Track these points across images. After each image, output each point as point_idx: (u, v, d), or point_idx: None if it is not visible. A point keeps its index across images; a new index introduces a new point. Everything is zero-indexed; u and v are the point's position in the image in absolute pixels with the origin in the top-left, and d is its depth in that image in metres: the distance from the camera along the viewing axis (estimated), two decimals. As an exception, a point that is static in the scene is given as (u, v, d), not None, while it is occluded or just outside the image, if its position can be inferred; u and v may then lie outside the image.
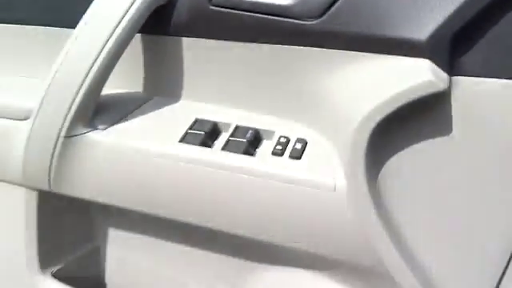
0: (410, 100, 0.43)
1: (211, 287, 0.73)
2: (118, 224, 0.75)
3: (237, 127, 0.56)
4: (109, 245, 0.78)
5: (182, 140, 0.56)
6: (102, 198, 0.61)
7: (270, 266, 0.65)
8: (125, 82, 0.64)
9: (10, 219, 0.73)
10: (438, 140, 0.47)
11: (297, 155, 0.52)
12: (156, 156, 0.56)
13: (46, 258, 0.75)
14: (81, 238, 0.77)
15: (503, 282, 0.51)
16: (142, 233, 0.73)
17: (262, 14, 0.51)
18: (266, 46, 0.53)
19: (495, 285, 0.51)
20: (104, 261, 0.80)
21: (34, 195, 0.68)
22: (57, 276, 0.77)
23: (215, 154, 0.54)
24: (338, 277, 0.58)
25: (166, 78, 0.61)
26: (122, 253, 0.78)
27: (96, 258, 0.80)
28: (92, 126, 0.59)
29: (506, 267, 0.50)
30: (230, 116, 0.58)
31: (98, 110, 0.60)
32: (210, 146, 0.55)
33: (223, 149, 0.54)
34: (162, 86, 0.62)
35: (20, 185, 0.67)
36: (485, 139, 0.46)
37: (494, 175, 0.46)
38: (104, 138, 0.58)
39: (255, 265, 0.66)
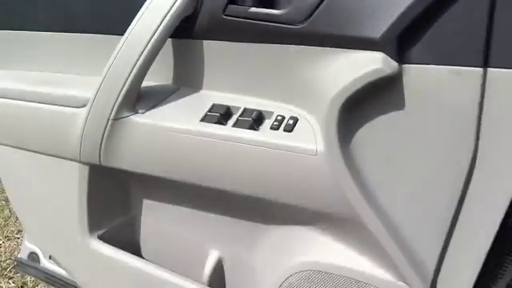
0: (367, 83, 0.58)
1: (228, 247, 0.89)
2: (151, 195, 0.92)
3: (244, 109, 0.72)
4: (143, 214, 0.95)
5: (203, 120, 0.72)
6: (140, 169, 0.78)
7: (272, 226, 0.80)
8: (158, 76, 0.81)
9: (66, 191, 0.91)
10: (393, 114, 0.61)
11: (289, 129, 0.67)
12: (182, 133, 0.72)
13: (94, 223, 0.93)
14: (121, 208, 0.95)
15: (456, 228, 0.65)
16: (169, 202, 0.90)
17: (261, 21, 0.67)
18: (265, 46, 0.69)
19: (446, 230, 0.65)
20: (139, 227, 0.97)
21: (86, 169, 0.86)
22: (102, 238, 0.94)
23: (228, 129, 0.70)
24: (325, 230, 0.73)
25: (190, 72, 0.78)
26: (153, 220, 0.95)
27: (132, 224, 0.97)
28: (134, 110, 0.76)
29: (455, 215, 0.64)
30: (239, 101, 0.74)
31: (138, 98, 0.77)
32: (224, 124, 0.71)
33: (234, 126, 0.70)
34: (187, 78, 0.79)
35: (76, 161, 0.85)
36: (429, 113, 0.60)
37: (437, 141, 0.61)
38: (143, 120, 0.75)
39: (261, 226, 0.81)
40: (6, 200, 2.07)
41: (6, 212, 1.98)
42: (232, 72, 0.74)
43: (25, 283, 1.63)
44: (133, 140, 0.76)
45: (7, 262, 1.72)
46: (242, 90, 0.74)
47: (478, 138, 0.59)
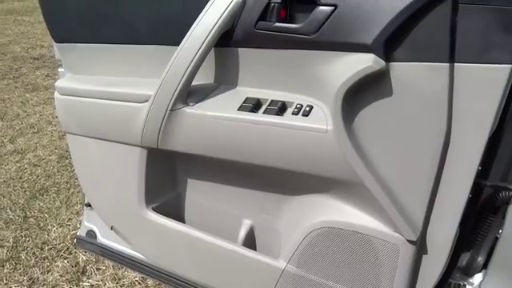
0: (362, 77, 0.79)
1: (258, 216, 1.10)
2: (193, 174, 1.13)
3: (271, 101, 0.93)
4: (187, 190, 1.16)
5: (239, 109, 0.93)
6: (190, 150, 1.00)
7: (293, 196, 1.01)
8: (204, 76, 1.02)
9: (128, 171, 1.13)
10: (383, 101, 0.81)
11: (306, 114, 0.88)
12: (224, 119, 0.94)
13: (149, 198, 1.15)
14: (170, 185, 1.17)
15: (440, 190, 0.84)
16: (208, 180, 1.11)
17: (284, 33, 0.88)
18: (287, 51, 0.90)
19: (430, 190, 0.84)
20: (184, 201, 1.18)
21: (145, 152, 1.08)
22: (155, 210, 1.16)
23: (259, 116, 0.91)
24: (336, 195, 0.93)
25: (228, 73, 0.99)
26: (195, 195, 1.16)
27: (179, 198, 1.19)
28: (186, 103, 0.98)
29: (437, 178, 0.83)
30: (267, 94, 0.95)
31: (189, 94, 0.99)
32: (255, 112, 0.93)
33: (263, 113, 0.91)
34: (226, 78, 1.00)
35: (137, 146, 1.07)
36: (411, 99, 0.80)
37: (418, 120, 0.80)
38: (193, 111, 0.97)
39: (285, 196, 1.02)
40: (57, 193, 2.33)
41: (57, 203, 2.24)
42: (261, 72, 0.95)
43: (77, 263, 1.87)
44: (185, 127, 0.98)
45: (61, 245, 1.97)
46: (269, 86, 0.95)
47: (450, 118, 0.78)
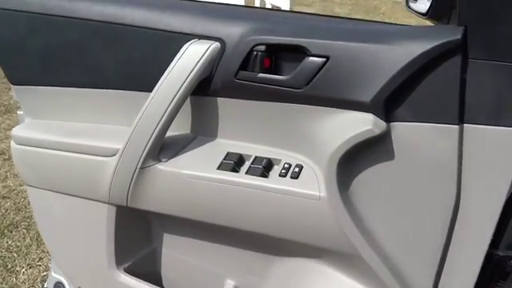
0: (359, 141, 0.69)
1: (242, 277, 0.98)
2: (170, 231, 1.02)
3: (256, 157, 0.83)
4: (163, 247, 1.04)
5: (219, 167, 0.83)
6: (163, 210, 0.88)
7: (281, 258, 0.90)
8: (180, 126, 0.91)
9: (95, 228, 1.01)
10: (384, 164, 0.72)
11: (295, 176, 0.78)
12: (201, 179, 0.83)
13: (120, 257, 1.03)
14: (143, 242, 1.05)
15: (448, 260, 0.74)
16: (188, 236, 1.00)
17: (268, 84, 0.78)
18: (273, 104, 0.80)
19: (437, 261, 0.74)
20: (160, 259, 1.06)
21: (114, 210, 0.96)
22: (127, 271, 1.04)
23: (241, 177, 0.81)
24: (328, 263, 0.83)
25: (207, 123, 0.89)
26: (172, 253, 1.04)
27: (154, 257, 1.07)
28: (158, 159, 0.87)
29: (445, 248, 0.73)
30: (250, 149, 0.85)
31: (162, 147, 0.88)
32: (237, 171, 0.82)
33: (246, 173, 0.81)
34: (204, 129, 0.90)
35: (105, 202, 0.95)
36: (414, 163, 0.70)
37: (423, 187, 0.71)
38: (166, 168, 0.86)
39: (272, 258, 0.91)
40: (27, 228, 2.18)
41: (28, 240, 2.09)
42: (244, 124, 0.85)
43: (47, 310, 1.72)
44: (157, 186, 0.86)
45: (30, 289, 1.82)
46: (253, 140, 0.85)
47: (459, 184, 0.69)
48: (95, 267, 1.05)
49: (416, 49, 0.66)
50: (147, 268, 1.07)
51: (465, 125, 0.66)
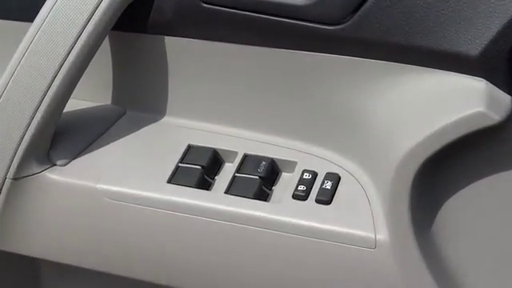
0: (461, 135, 0.35)
1: None
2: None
3: (245, 157, 0.44)
4: None
5: (172, 179, 0.43)
6: (59, 257, 0.47)
7: None
8: (90, 91, 0.50)
9: None
10: (506, 173, 0.38)
11: (326, 199, 0.40)
12: (134, 202, 0.42)
13: None
14: None
15: None
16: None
17: (270, 15, 0.39)
18: (277, 52, 0.42)
19: None
20: None
21: None
22: None
23: (217, 199, 0.41)
24: None
25: (145, 86, 0.48)
26: None
27: None
28: (48, 161, 0.45)
29: None
30: (234, 140, 0.45)
31: (56, 137, 0.46)
32: (208, 188, 0.42)
33: (228, 191, 0.41)
34: (140, 96, 0.49)
35: None
36: None
37: None
38: (63, 178, 0.44)
39: None
40: None
41: None
42: (219, 89, 0.46)
43: None
44: (46, 212, 0.45)
45: None
46: (239, 121, 0.46)
47: None
48: None
49: None
50: None
51: None
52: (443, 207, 0.38)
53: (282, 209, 0.40)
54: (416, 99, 0.38)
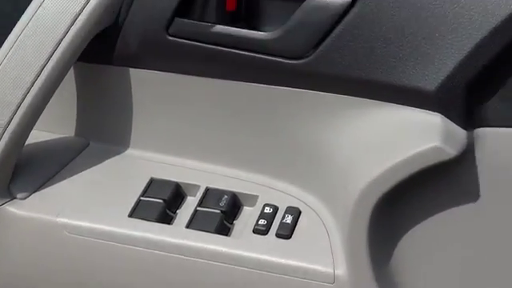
0: (418, 170, 0.35)
1: None
2: None
3: (207, 190, 0.44)
4: None
5: (133, 213, 0.42)
6: None
7: None
8: (54, 122, 0.49)
9: None
10: (463, 206, 0.38)
11: (286, 233, 0.40)
12: (94, 237, 0.41)
13: None
14: None
15: None
16: None
17: (234, 48, 0.40)
18: (240, 85, 0.42)
19: None
20: None
21: None
22: None
23: (178, 233, 0.41)
24: None
25: (109, 118, 0.48)
26: None
27: None
28: (9, 194, 0.44)
29: None
30: (197, 174, 0.45)
31: (18, 169, 0.45)
32: (170, 222, 0.42)
33: (189, 225, 0.41)
34: (103, 128, 0.48)
35: None
36: None
37: None
38: (24, 212, 0.43)
39: None
40: None
41: None
42: (182, 122, 0.46)
43: None
44: (7, 245, 0.44)
45: None
46: (201, 155, 0.46)
47: None
48: None
49: None
50: None
51: None
52: (401, 241, 0.39)
53: (242, 244, 0.40)
54: (375, 133, 0.38)
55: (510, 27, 0.35)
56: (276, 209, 0.42)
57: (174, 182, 0.44)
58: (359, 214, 0.37)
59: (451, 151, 0.35)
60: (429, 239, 0.39)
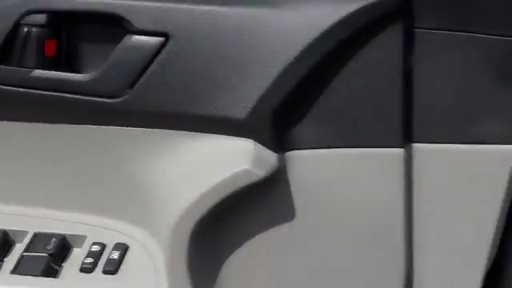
0: (230, 193, 0.38)
1: None
2: None
3: (35, 235, 0.43)
4: None
5: None
6: None
7: None
8: None
9: None
10: (279, 225, 0.41)
11: (112, 269, 0.41)
12: None
13: None
14: None
15: None
16: None
17: (54, 91, 0.41)
18: (61, 127, 0.43)
19: None
20: None
21: None
22: None
23: (3, 280, 0.40)
24: None
25: None
26: None
27: None
28: None
29: None
30: (25, 219, 0.45)
31: None
32: None
33: (15, 271, 0.40)
34: None
35: None
36: (326, 211, 0.41)
37: (339, 252, 0.41)
38: None
39: None
40: None
41: None
42: (7, 167, 0.45)
43: None
44: None
45: None
46: (29, 198, 0.45)
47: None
48: None
49: (330, 15, 0.38)
50: None
51: (414, 144, 0.40)
52: (224, 264, 0.40)
53: (68, 283, 0.40)
54: (191, 162, 0.41)
55: (309, 57, 0.38)
56: (104, 246, 0.42)
57: (0, 229, 0.43)
58: (177, 242, 0.38)
59: (260, 173, 0.38)
60: (247, 257, 0.41)
